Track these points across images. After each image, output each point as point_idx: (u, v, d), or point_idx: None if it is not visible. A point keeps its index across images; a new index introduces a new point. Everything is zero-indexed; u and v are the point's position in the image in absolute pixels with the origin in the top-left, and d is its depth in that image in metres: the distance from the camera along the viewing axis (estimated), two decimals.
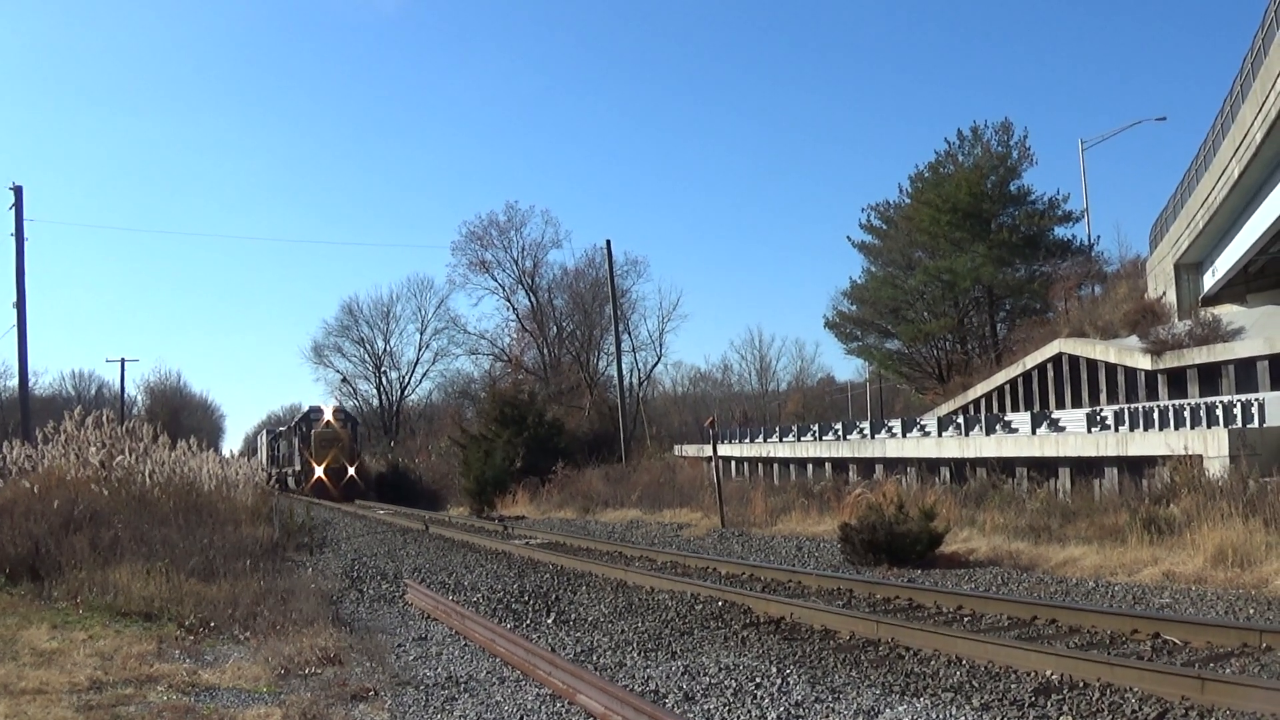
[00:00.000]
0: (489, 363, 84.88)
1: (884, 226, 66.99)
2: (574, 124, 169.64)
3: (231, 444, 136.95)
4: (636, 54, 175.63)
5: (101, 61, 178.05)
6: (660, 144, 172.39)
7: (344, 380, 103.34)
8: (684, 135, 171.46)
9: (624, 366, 64.89)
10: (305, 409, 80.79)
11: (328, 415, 75.60)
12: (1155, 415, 27.63)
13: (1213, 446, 22.65)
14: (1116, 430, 27.77)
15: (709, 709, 8.95)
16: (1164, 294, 47.25)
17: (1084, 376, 45.78)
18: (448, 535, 28.16)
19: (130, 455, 25.67)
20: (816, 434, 43.65)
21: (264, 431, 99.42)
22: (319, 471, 70.72)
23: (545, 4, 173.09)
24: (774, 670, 10.21)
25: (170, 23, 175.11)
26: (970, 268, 58.47)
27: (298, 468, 74.03)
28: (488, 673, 10.59)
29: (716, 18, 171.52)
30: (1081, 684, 9.08)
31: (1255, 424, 24.64)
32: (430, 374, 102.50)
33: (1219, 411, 26.26)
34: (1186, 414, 26.75)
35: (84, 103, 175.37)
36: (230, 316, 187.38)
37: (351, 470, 72.02)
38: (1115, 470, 25.86)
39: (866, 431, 41.24)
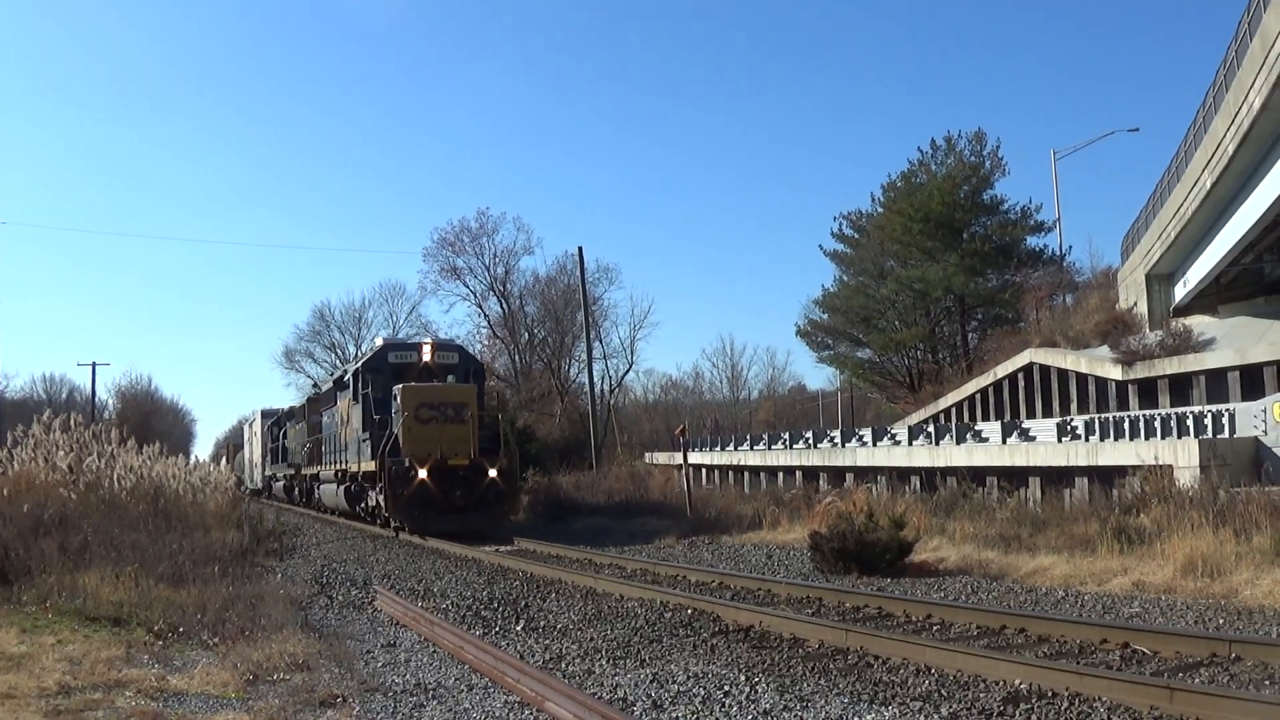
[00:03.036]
0: None
1: (856, 235, 67.23)
2: (546, 130, 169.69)
3: (202, 449, 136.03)
4: (608, 61, 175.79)
5: (73, 62, 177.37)
6: (632, 151, 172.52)
7: (315, 386, 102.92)
8: (656, 143, 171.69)
9: (595, 374, 64.49)
10: (375, 346, 36.93)
11: (426, 356, 34.03)
12: (1126, 425, 27.75)
13: (1183, 457, 22.74)
14: (1087, 440, 27.87)
15: (677, 717, 8.95)
16: (1135, 305, 47.49)
17: (1055, 386, 46.00)
18: (417, 541, 28.20)
19: (99, 459, 25.55)
20: (787, 442, 43.70)
21: (257, 417, 70.86)
22: (421, 473, 30.25)
23: (518, 10, 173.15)
24: (743, 678, 10.21)
25: (143, 25, 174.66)
26: (942, 277, 58.69)
27: (356, 464, 34.32)
28: (456, 680, 10.56)
29: (691, 25, 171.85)
30: (1050, 693, 9.11)
31: (1226, 434, 24.78)
32: None
33: (1190, 422, 26.40)
34: (1157, 424, 26.88)
35: (55, 103, 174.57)
36: (202, 321, 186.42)
37: (494, 471, 30.83)
38: (1085, 480, 25.96)
39: (837, 440, 41.33)
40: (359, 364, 35.19)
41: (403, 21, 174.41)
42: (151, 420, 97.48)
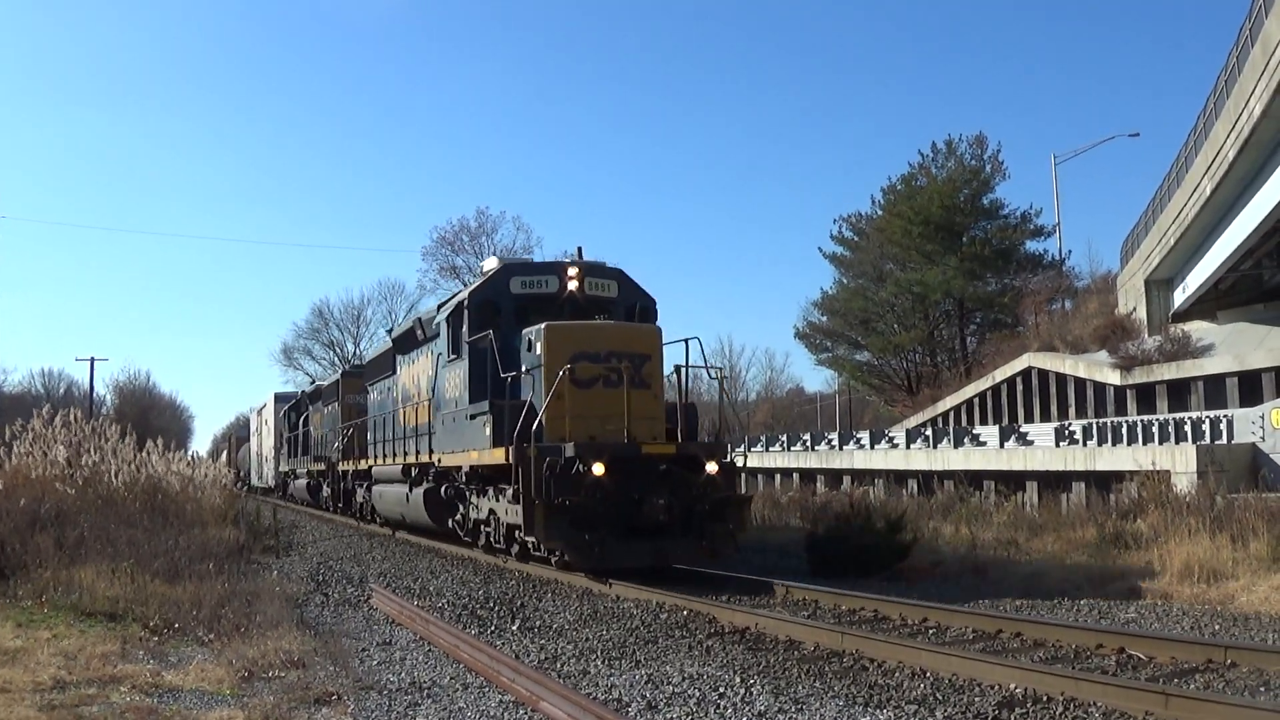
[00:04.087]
0: None
1: (855, 238, 67.34)
2: (546, 130, 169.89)
3: (200, 445, 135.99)
4: (608, 61, 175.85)
5: (75, 58, 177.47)
6: (632, 151, 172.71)
7: (313, 383, 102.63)
8: (656, 143, 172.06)
9: None
10: (487, 270, 23.10)
11: (571, 284, 21.00)
12: (1124, 430, 27.81)
13: (1181, 462, 22.80)
14: (1085, 445, 27.94)
15: (672, 718, 8.95)
16: (1134, 310, 47.58)
17: (1053, 391, 46.07)
18: (414, 540, 28.08)
19: (97, 455, 25.54)
20: (785, 444, 43.73)
21: (269, 402, 61.12)
22: (596, 468, 17.37)
23: (518, 10, 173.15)
24: (738, 680, 10.20)
25: (144, 23, 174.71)
26: (941, 280, 58.79)
27: (454, 455, 21.94)
28: (451, 679, 10.56)
29: (690, 25, 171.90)
30: (1045, 698, 9.10)
31: (1223, 440, 24.83)
32: None
33: (1188, 428, 26.43)
34: (1155, 430, 26.94)
35: (55, 99, 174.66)
36: (200, 318, 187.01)
37: (713, 465, 18.47)
38: (1083, 484, 26.02)
39: (835, 443, 41.35)
40: (461, 297, 22.08)
41: (402, 20, 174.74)
42: (149, 416, 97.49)
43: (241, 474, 65.31)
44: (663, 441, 18.68)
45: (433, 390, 23.90)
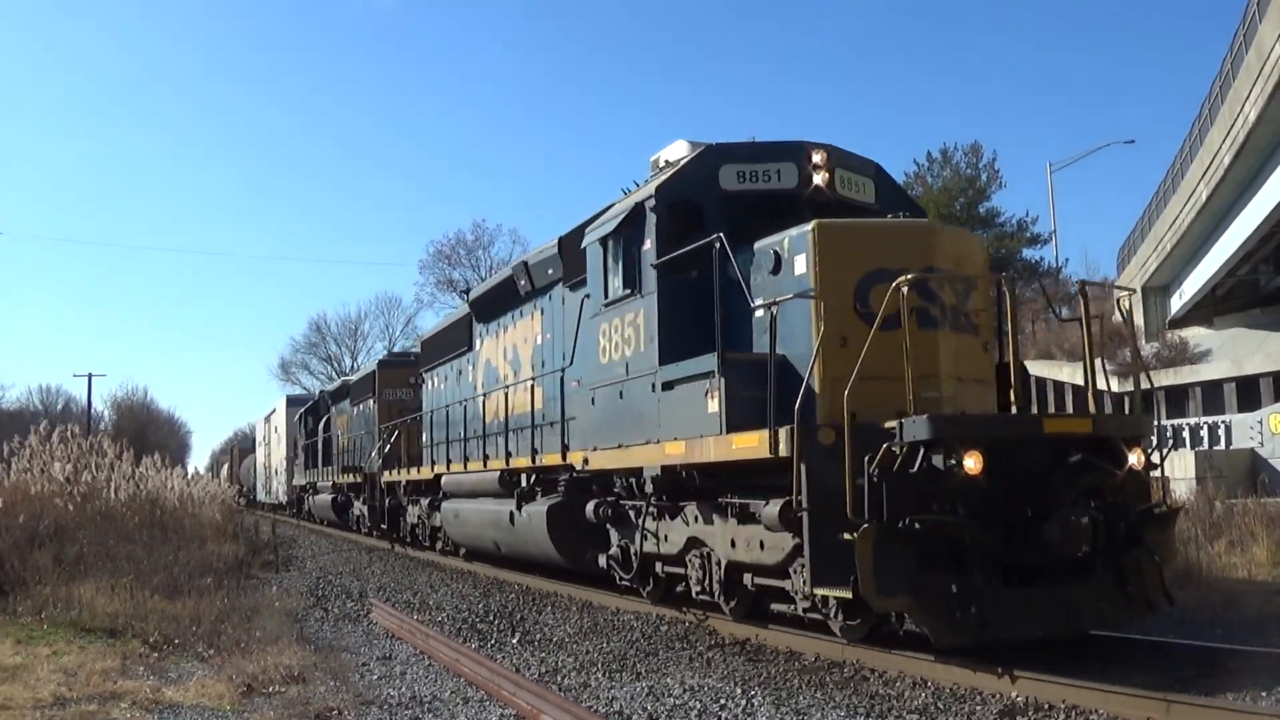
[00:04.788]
0: None
1: None
2: (542, 143, 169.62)
3: (198, 461, 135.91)
4: (606, 73, 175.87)
5: (71, 71, 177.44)
6: (632, 166, 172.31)
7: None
8: (655, 144, 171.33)
9: None
10: (684, 155, 14.32)
11: (816, 175, 13.59)
12: None
13: (1180, 468, 22.79)
14: None
15: None
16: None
17: (1050, 398, 46.03)
18: (413, 554, 27.99)
19: (95, 470, 25.55)
20: None
21: (280, 407, 55.37)
22: (969, 462, 9.64)
23: (515, 23, 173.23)
24: (739, 692, 10.19)
25: (139, 36, 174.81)
26: None
27: (631, 446, 13.93)
28: (452, 693, 10.54)
29: (682, 44, 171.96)
30: (1047, 706, 9.09)
31: (1222, 446, 24.85)
32: None
33: (1186, 434, 26.44)
34: (1154, 436, 26.93)
35: (52, 113, 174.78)
36: (197, 333, 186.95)
37: (1139, 455, 11.04)
38: None
39: None
40: (635, 199, 14.50)
41: (395, 32, 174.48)
42: (147, 432, 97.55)
43: (245, 489, 63.19)
44: (1078, 418, 12.35)
45: (563, 356, 17.18)
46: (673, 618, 14.90)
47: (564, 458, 16.68)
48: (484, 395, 21.47)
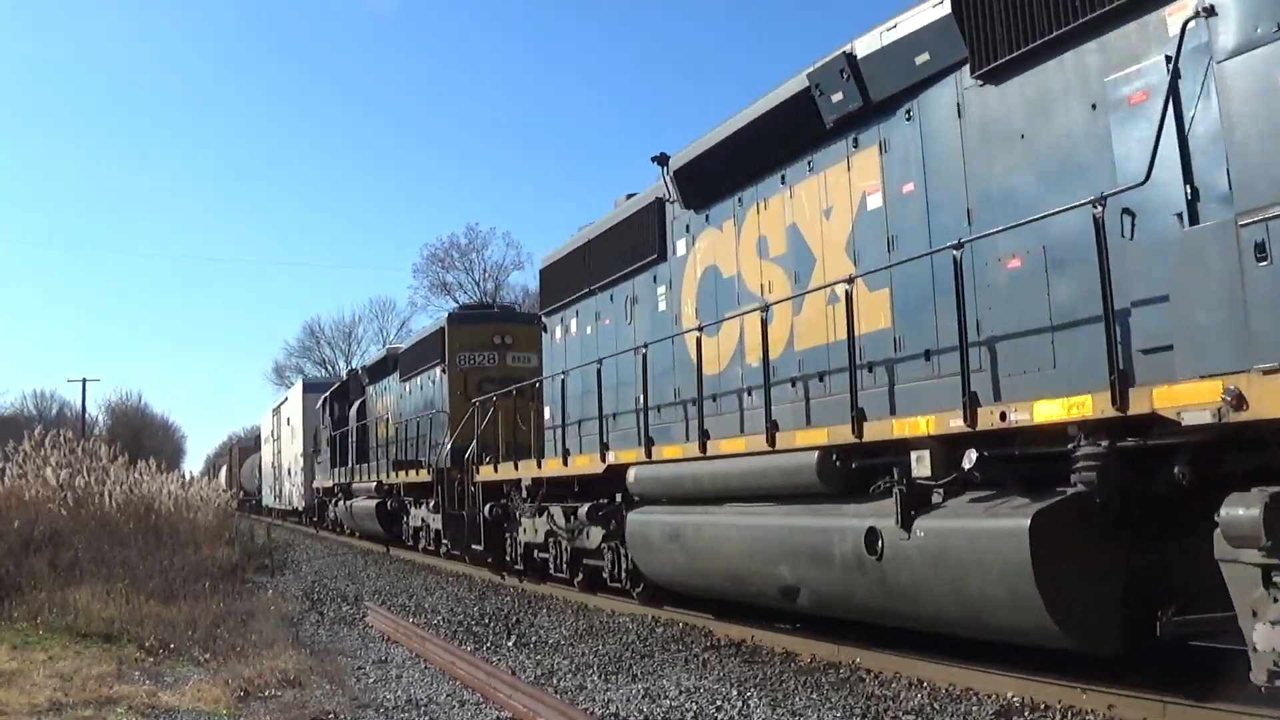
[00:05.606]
0: None
1: None
2: (537, 146, 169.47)
3: (193, 465, 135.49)
4: (601, 75, 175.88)
5: (65, 76, 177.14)
6: (629, 170, 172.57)
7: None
8: (655, 145, 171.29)
9: None
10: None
11: None
12: None
13: None
14: None
15: None
16: None
17: None
18: (408, 557, 27.94)
19: (90, 475, 25.51)
20: None
21: (295, 395, 48.14)
22: None
23: (510, 25, 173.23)
24: (734, 693, 10.20)
25: (131, 39, 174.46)
26: None
27: None
28: (448, 695, 10.55)
29: (683, 43, 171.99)
30: (1043, 706, 9.10)
31: None
32: None
33: None
34: None
35: (42, 118, 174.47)
36: (191, 338, 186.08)
37: None
38: None
39: None
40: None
41: (389, 37, 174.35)
42: (142, 436, 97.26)
43: (247, 493, 61.95)
44: None
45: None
46: (668, 619, 14.91)
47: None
48: (726, 321, 13.53)
